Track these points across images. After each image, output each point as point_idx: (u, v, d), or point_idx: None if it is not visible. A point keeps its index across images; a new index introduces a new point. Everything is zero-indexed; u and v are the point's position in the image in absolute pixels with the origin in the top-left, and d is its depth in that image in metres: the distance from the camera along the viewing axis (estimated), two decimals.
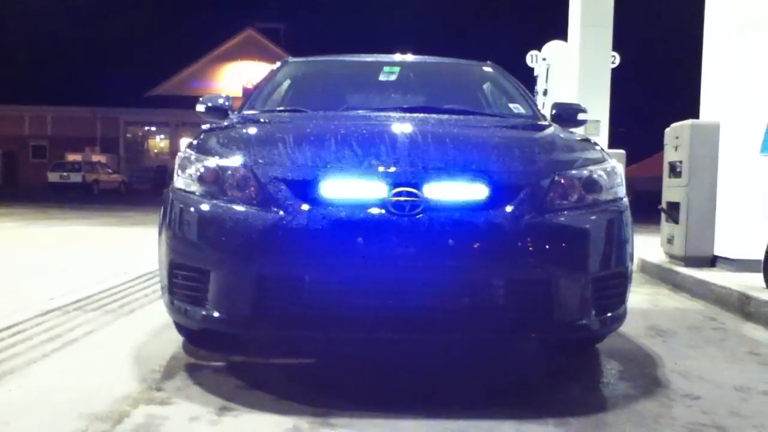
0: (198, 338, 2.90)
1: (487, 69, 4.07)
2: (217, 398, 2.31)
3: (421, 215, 2.18)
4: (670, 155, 5.74)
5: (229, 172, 2.38)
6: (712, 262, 5.36)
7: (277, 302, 2.28)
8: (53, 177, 26.50)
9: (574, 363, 2.92)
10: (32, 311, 3.52)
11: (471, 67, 4.20)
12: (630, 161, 11.04)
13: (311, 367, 2.83)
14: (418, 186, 2.23)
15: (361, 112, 3.29)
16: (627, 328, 3.20)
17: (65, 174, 26.53)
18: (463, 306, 2.29)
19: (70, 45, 41.00)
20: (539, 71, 10.46)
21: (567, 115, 3.42)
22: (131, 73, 37.15)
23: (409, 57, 4.24)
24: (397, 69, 4.03)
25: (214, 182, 2.40)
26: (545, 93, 10.20)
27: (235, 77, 35.08)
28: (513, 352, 3.10)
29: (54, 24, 41.57)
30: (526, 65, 10.70)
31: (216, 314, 2.30)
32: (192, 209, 2.40)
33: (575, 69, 8.31)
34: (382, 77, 3.97)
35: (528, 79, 10.05)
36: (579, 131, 3.47)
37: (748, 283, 4.32)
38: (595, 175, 2.48)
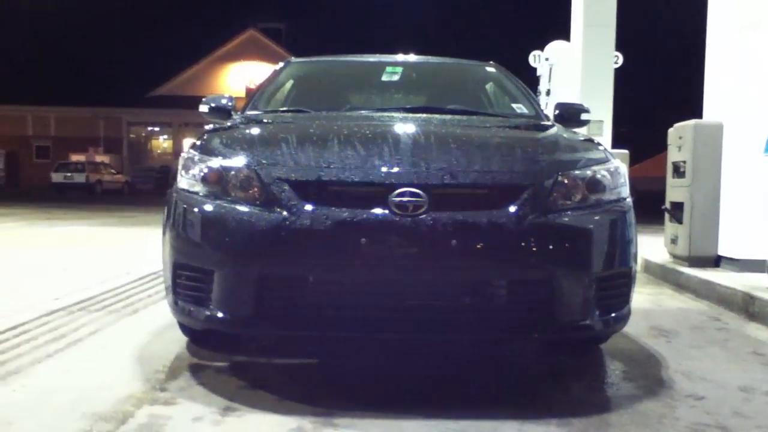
0: (201, 338, 2.91)
1: (490, 69, 4.07)
2: (220, 398, 2.31)
3: (424, 215, 2.18)
4: (673, 155, 5.73)
5: (233, 172, 2.39)
6: (716, 262, 5.34)
7: (281, 302, 2.29)
8: (57, 177, 26.54)
9: (578, 363, 2.92)
10: (36, 311, 3.53)
11: (474, 68, 4.20)
12: (633, 161, 11.03)
13: (314, 367, 2.84)
14: (420, 186, 2.22)
15: (363, 112, 3.30)
16: (630, 328, 3.20)
17: (69, 174, 26.57)
18: (467, 306, 2.30)
19: (73, 45, 41.05)
20: (542, 71, 10.46)
21: (570, 115, 3.42)
22: (134, 74, 37.23)
23: (412, 57, 4.24)
24: (399, 69, 4.03)
25: (218, 183, 2.40)
26: (548, 93, 10.20)
27: (237, 77, 35.09)
28: (515, 352, 3.10)
29: (57, 24, 41.65)
30: (529, 65, 10.70)
31: (219, 314, 2.30)
32: (195, 210, 2.40)
33: (578, 69, 8.31)
34: (384, 77, 3.97)
35: (531, 79, 10.04)
36: (582, 131, 3.46)
37: (752, 283, 4.31)
38: (599, 175, 2.48)
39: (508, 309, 2.33)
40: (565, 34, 9.17)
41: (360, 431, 2.06)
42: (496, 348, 3.10)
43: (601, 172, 2.50)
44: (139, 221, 11.06)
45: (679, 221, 5.52)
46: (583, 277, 2.31)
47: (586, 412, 2.25)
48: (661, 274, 5.49)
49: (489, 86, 4.06)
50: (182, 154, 2.64)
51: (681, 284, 5.00)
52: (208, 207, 2.37)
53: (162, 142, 39.35)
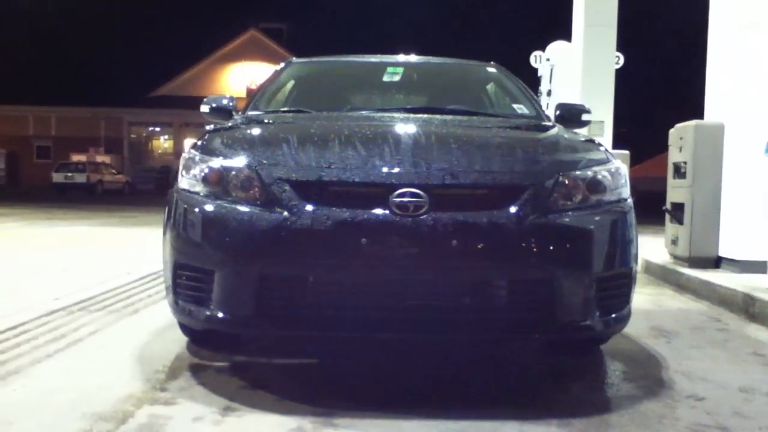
0: (202, 338, 2.91)
1: (491, 69, 4.07)
2: (220, 398, 2.31)
3: (424, 216, 2.18)
4: (674, 156, 5.73)
5: (234, 172, 2.39)
6: (717, 263, 5.34)
7: (281, 302, 2.29)
8: (57, 177, 26.55)
9: (578, 363, 2.92)
10: (36, 311, 3.53)
11: (474, 68, 4.20)
12: (633, 162, 11.03)
13: (314, 367, 2.84)
14: (421, 186, 2.22)
15: (364, 112, 3.30)
16: (631, 328, 3.19)
17: (69, 174, 26.57)
18: (467, 306, 2.30)
19: (74, 45, 41.07)
20: (543, 72, 10.45)
21: (571, 115, 3.42)
22: (135, 74, 37.26)
23: (413, 57, 4.24)
24: (400, 70, 4.03)
25: (219, 183, 2.40)
26: (549, 93, 10.19)
27: (238, 78, 35.11)
28: (515, 352, 3.10)
29: (58, 24, 41.65)
30: (530, 65, 10.70)
31: (220, 314, 2.30)
32: (196, 210, 2.40)
33: (579, 69, 8.31)
34: (385, 78, 3.98)
35: (532, 79, 10.04)
36: (583, 132, 3.46)
37: (753, 284, 4.31)
38: (599, 176, 2.48)
39: (508, 309, 2.33)
40: (566, 35, 9.17)
41: (360, 431, 2.06)
42: (496, 348, 3.10)
43: (601, 172, 2.50)
44: (139, 221, 11.06)
45: (680, 222, 5.52)
46: (584, 277, 2.31)
47: (586, 413, 2.25)
48: (662, 275, 5.48)
49: (490, 86, 4.06)
50: (183, 155, 2.64)
51: (681, 285, 4.99)
52: (209, 207, 2.37)
53: (163, 143, 39.36)
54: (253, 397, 2.33)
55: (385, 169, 2.29)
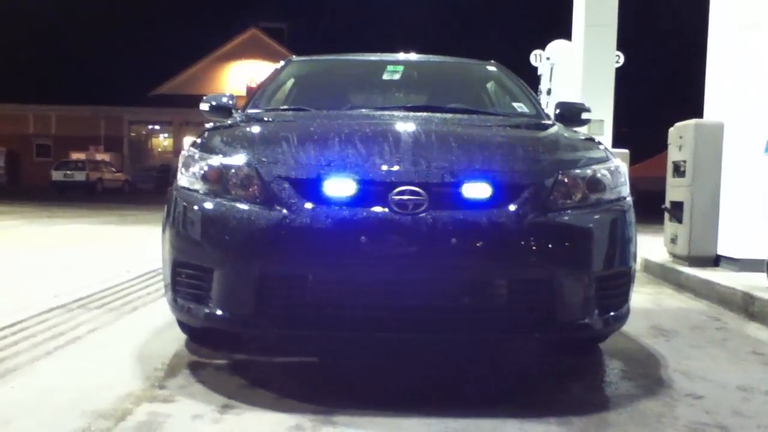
0: (201, 336, 2.91)
1: (491, 68, 4.07)
2: (219, 396, 2.31)
3: (424, 214, 2.18)
4: (674, 155, 5.73)
5: (233, 170, 2.39)
6: (716, 261, 5.34)
7: (280, 301, 2.29)
8: (57, 175, 26.51)
9: (577, 362, 2.92)
10: (35, 309, 3.53)
11: (475, 67, 4.20)
12: (633, 161, 11.03)
13: (313, 365, 2.84)
14: (421, 185, 2.22)
15: (364, 111, 3.29)
16: (630, 327, 3.20)
17: (69, 173, 26.54)
18: (466, 305, 2.29)
19: (74, 44, 41.10)
20: (543, 70, 10.45)
21: (571, 114, 3.42)
22: (135, 72, 37.25)
23: (413, 56, 4.24)
24: (400, 68, 4.03)
25: (218, 181, 2.40)
26: (549, 92, 10.19)
27: (238, 77, 35.08)
28: (515, 351, 3.10)
29: (58, 23, 41.67)
30: (530, 64, 10.70)
31: (219, 312, 2.30)
32: (195, 208, 2.40)
33: (579, 68, 8.30)
34: (385, 76, 3.97)
35: (532, 78, 10.04)
36: (583, 130, 3.46)
37: (752, 282, 4.31)
38: (599, 175, 2.48)
39: (508, 308, 2.32)
40: (566, 34, 9.16)
41: (359, 430, 2.06)
42: (496, 348, 3.10)
43: (601, 171, 2.50)
44: (139, 220, 11.06)
45: (679, 221, 5.52)
46: (584, 276, 2.31)
47: (585, 412, 2.25)
48: (661, 274, 5.48)
49: (490, 85, 4.06)
50: (182, 152, 2.64)
51: (681, 284, 4.99)
52: (208, 205, 2.37)
53: (163, 141, 39.31)
54: (253, 395, 2.33)
55: (384, 167, 2.29)
